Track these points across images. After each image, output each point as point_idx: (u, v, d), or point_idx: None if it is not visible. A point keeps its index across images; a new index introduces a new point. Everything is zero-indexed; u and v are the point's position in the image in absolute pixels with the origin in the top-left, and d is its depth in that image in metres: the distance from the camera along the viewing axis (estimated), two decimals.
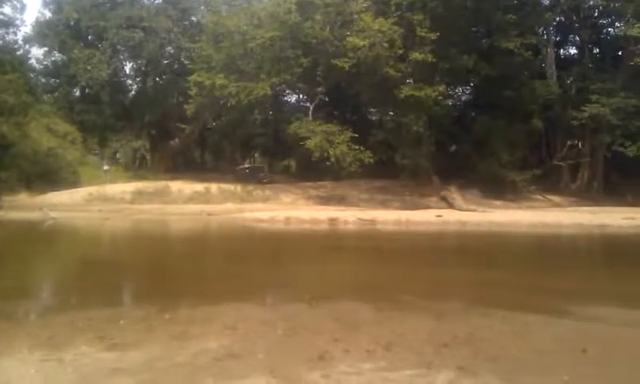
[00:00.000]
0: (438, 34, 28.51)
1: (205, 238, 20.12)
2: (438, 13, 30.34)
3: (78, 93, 43.29)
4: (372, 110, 40.26)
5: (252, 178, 35.97)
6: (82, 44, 40.78)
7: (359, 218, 23.03)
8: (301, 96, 42.21)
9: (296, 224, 22.56)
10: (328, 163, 30.01)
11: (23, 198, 28.20)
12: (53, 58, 43.37)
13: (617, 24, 37.91)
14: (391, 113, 33.66)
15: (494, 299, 8.61)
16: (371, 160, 30.07)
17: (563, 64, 38.34)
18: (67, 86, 42.32)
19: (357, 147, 29.71)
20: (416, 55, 28.71)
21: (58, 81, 43.29)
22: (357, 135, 30.46)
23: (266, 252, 15.84)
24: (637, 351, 6.05)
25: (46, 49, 43.05)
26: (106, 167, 35.28)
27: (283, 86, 35.99)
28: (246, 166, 44.15)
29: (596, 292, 9.57)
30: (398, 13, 30.05)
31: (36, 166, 31.30)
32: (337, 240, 19.25)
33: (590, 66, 37.49)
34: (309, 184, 34.07)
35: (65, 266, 12.70)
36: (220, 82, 30.63)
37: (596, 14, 39.18)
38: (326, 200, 30.65)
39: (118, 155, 43.31)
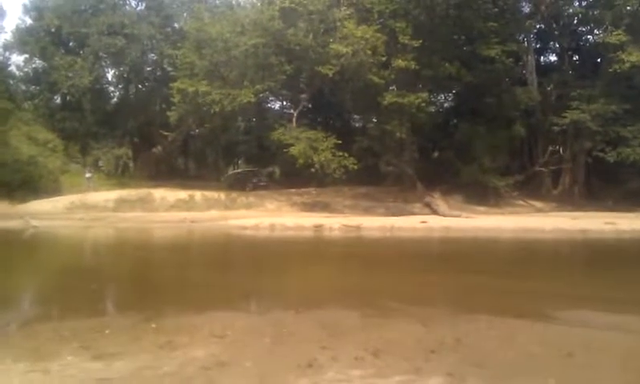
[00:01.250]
0: (420, 41, 28.69)
1: (189, 245, 19.98)
2: (420, 21, 30.53)
3: (59, 100, 42.66)
4: (356, 116, 40.31)
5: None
6: (63, 51, 40.27)
7: (344, 225, 23.04)
8: (284, 103, 42.10)
9: (281, 231, 22.50)
10: (312, 170, 29.94)
11: (4, 206, 27.77)
12: (33, 65, 42.67)
13: (596, 31, 38.38)
14: (375, 119, 33.73)
15: (480, 304, 8.68)
16: (355, 166, 30.05)
17: (544, 71, 38.71)
18: (48, 93, 41.74)
19: (341, 154, 29.67)
20: (399, 62, 28.85)
21: (38, 88, 42.64)
22: (341, 142, 30.38)
23: (251, 259, 15.78)
24: (622, 355, 6.12)
25: (26, 56, 42.36)
26: (88, 175, 34.89)
27: (267, 92, 35.86)
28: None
29: (580, 296, 9.66)
30: (381, 20, 30.14)
31: (17, 175, 30.83)
32: (322, 247, 19.26)
33: (570, 72, 37.92)
34: (293, 191, 33.97)
35: (48, 276, 12.53)
36: (203, 89, 30.43)
37: (575, 22, 39.61)
38: (310, 207, 30.61)
39: (100, 163, 42.72)
